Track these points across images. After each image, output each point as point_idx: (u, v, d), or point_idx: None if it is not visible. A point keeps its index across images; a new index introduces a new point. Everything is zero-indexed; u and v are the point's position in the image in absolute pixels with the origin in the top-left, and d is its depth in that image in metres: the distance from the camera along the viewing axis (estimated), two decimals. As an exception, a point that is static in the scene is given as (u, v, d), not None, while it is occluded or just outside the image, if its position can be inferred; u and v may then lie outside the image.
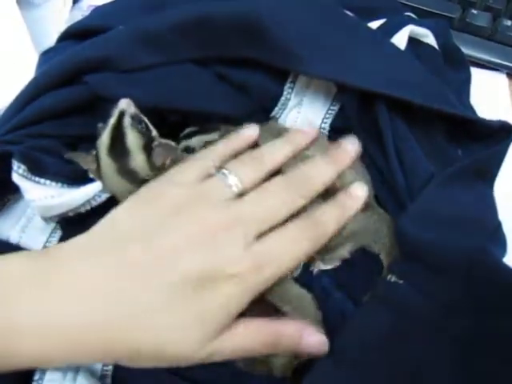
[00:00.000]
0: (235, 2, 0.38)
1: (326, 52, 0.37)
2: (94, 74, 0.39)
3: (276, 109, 0.41)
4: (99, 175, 0.37)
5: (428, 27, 0.45)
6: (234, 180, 0.32)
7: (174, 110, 0.39)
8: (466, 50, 0.53)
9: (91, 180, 0.37)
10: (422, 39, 0.42)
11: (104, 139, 0.35)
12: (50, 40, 0.55)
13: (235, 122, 0.41)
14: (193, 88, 0.40)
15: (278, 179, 0.34)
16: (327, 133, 0.41)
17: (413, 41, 0.42)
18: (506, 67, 0.53)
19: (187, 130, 0.42)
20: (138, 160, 0.35)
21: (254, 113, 0.42)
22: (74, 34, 0.46)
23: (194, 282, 0.27)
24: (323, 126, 0.41)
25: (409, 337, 0.33)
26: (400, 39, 0.41)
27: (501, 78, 0.54)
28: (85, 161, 0.37)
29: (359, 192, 0.36)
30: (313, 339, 0.31)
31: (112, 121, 0.35)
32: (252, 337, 0.30)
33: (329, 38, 0.37)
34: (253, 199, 0.32)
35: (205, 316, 0.27)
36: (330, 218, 0.34)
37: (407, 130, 0.39)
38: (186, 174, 0.33)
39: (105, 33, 0.41)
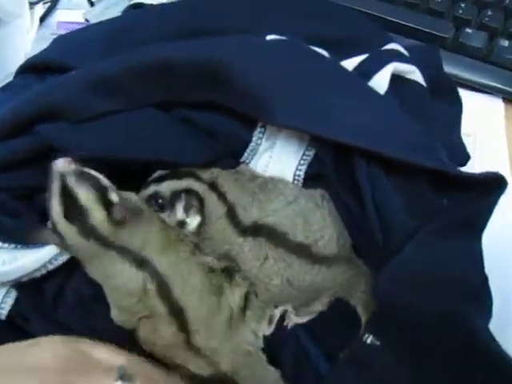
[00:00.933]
0: (197, 45, 0.34)
1: (295, 100, 0.33)
2: (47, 124, 0.36)
3: (245, 154, 0.38)
4: (66, 245, 0.34)
5: (416, 56, 0.41)
6: None
7: (133, 161, 0.36)
8: (459, 73, 0.49)
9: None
10: (406, 76, 0.39)
11: (55, 207, 0.33)
12: (18, 59, 0.52)
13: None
14: (154, 136, 0.37)
15: None
16: (302, 180, 0.38)
17: (397, 78, 0.39)
18: (502, 91, 0.49)
19: (157, 173, 0.39)
20: (96, 216, 0.33)
21: (222, 157, 0.39)
22: (32, 68, 0.43)
23: None
24: (298, 173, 0.38)
25: None
26: (382, 78, 0.37)
27: (496, 102, 0.50)
28: (50, 237, 0.34)
29: None
30: None
31: (55, 186, 0.32)
32: None
33: (299, 84, 0.34)
34: None
35: None
36: None
37: (386, 180, 0.35)
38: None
39: (63, 69, 0.38)
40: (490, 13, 0.49)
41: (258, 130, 0.37)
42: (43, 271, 0.35)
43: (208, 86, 0.35)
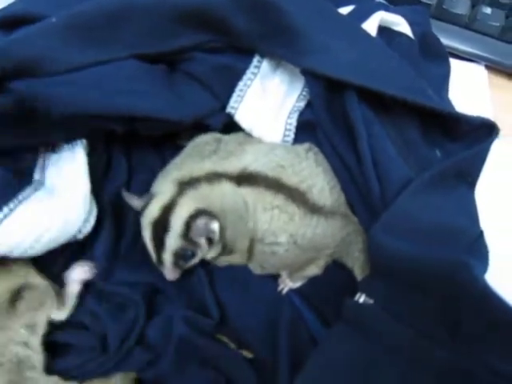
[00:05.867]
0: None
1: (290, 34, 0.32)
2: (21, 80, 0.33)
3: (232, 100, 0.36)
4: None
5: (404, 15, 0.41)
6: None
7: (116, 116, 0.34)
8: (442, 40, 0.49)
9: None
10: (393, 28, 0.38)
11: None
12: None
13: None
14: (138, 89, 0.35)
15: None
16: (294, 129, 0.37)
17: (385, 30, 0.38)
18: (485, 59, 0.49)
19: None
20: None
21: (211, 113, 0.37)
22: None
23: None
24: (289, 121, 0.36)
25: (378, 367, 0.29)
26: (369, 27, 0.36)
27: (479, 70, 0.50)
28: None
29: None
30: None
31: None
32: None
33: (295, 20, 0.32)
34: None
35: None
36: None
37: (381, 126, 0.34)
38: None
39: (31, 21, 0.36)
40: (471, -20, 0.49)
41: (251, 69, 0.36)
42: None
43: (198, 27, 0.33)
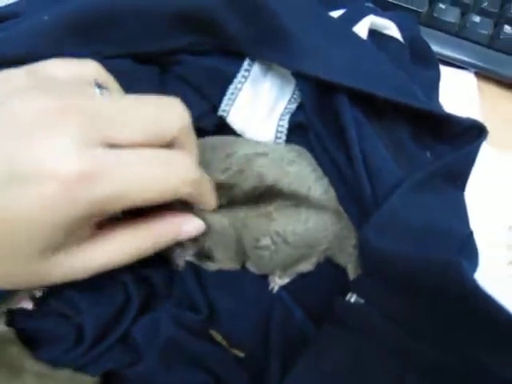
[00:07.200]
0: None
1: (281, 37, 0.33)
2: None
3: (224, 103, 0.36)
4: None
5: (393, 20, 0.41)
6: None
7: None
8: (433, 47, 0.50)
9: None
10: (384, 31, 0.39)
11: None
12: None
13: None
14: (132, 88, 0.34)
15: None
16: (285, 131, 0.37)
17: (375, 34, 0.39)
18: (474, 66, 0.50)
19: None
20: None
21: (203, 114, 0.37)
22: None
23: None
24: (281, 123, 0.36)
25: (369, 367, 0.30)
26: (360, 31, 0.37)
27: (469, 77, 0.51)
28: None
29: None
30: (190, 228, 0.31)
31: None
32: (120, 250, 0.27)
33: (286, 23, 0.33)
34: (122, 103, 0.26)
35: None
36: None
37: (371, 128, 0.35)
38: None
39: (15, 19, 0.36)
40: (460, -11, 0.50)
41: (241, 72, 0.36)
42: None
43: (190, 29, 0.34)
